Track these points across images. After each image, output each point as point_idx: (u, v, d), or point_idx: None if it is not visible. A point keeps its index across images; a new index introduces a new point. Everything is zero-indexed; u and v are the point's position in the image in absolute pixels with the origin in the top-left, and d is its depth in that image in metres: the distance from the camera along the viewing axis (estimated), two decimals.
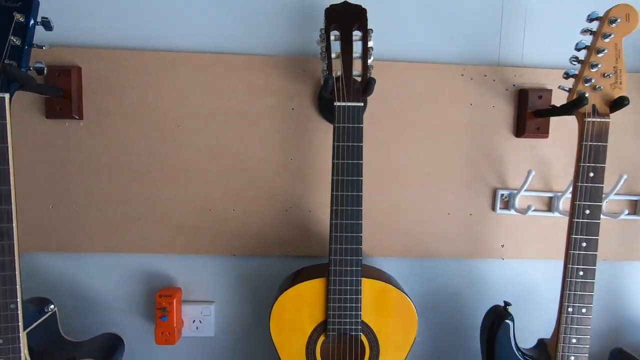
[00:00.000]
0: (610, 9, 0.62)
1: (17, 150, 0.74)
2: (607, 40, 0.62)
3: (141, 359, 0.82)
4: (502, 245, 0.83)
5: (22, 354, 0.61)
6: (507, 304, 0.70)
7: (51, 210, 0.76)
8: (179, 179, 0.78)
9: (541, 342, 0.72)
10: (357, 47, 0.65)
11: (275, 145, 0.78)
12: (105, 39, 0.75)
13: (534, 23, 0.80)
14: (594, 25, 0.64)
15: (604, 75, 0.63)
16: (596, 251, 0.65)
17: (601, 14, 0.63)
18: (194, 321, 0.82)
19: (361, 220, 0.65)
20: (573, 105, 0.63)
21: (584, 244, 0.65)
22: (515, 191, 0.81)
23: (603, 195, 0.82)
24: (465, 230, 0.82)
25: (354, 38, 0.66)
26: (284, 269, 0.82)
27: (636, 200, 0.84)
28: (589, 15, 0.64)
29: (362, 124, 0.64)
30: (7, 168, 0.59)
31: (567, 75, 0.66)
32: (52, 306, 0.68)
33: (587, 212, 0.64)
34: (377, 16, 0.78)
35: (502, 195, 0.82)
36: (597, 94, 0.64)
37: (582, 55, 0.65)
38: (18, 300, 0.60)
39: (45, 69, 0.62)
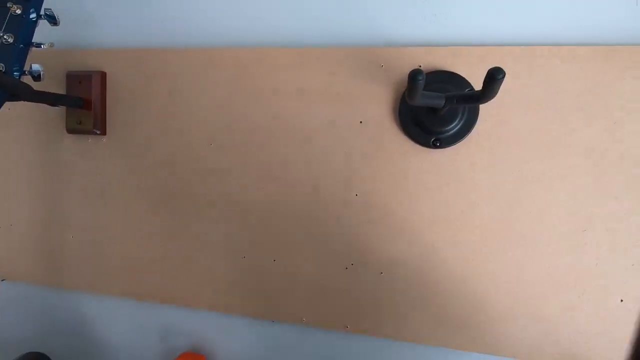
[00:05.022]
0: None
1: (36, 170, 0.64)
2: None
3: None
4: None
5: None
6: None
7: (71, 241, 0.65)
8: (210, 212, 0.59)
9: None
10: None
11: (334, 173, 0.55)
12: (133, 38, 0.61)
13: None
14: None
15: None
16: None
17: None
18: None
19: None
20: None
21: None
22: None
23: None
24: None
25: None
26: (340, 349, 0.58)
27: None
28: None
29: None
30: None
31: None
32: None
33: None
34: None
35: None
36: None
37: None
38: None
39: (43, 73, 0.49)
